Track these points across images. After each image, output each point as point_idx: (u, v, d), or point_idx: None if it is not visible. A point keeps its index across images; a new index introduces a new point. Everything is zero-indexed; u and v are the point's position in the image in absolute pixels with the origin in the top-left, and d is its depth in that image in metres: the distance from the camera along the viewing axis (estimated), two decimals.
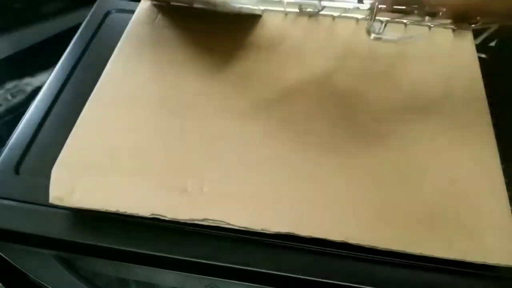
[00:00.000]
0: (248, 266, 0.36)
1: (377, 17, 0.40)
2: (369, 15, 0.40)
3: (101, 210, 0.36)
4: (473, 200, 0.37)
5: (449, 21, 0.43)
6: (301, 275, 0.35)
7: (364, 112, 0.42)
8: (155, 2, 0.51)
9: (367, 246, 0.35)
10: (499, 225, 0.36)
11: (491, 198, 0.37)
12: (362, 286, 0.35)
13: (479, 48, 0.50)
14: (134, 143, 0.40)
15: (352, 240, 0.35)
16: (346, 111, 0.42)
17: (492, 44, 0.50)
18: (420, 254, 0.35)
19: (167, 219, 0.36)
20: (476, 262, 0.34)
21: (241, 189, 0.38)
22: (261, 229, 0.36)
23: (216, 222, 0.36)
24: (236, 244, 0.36)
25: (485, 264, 0.34)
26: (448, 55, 0.46)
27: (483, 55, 0.49)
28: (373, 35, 0.41)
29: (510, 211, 0.36)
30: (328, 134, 0.40)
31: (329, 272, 0.35)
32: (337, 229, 0.35)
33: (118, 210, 0.36)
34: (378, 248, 0.35)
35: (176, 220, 0.36)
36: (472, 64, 0.46)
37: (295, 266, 0.36)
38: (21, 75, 0.71)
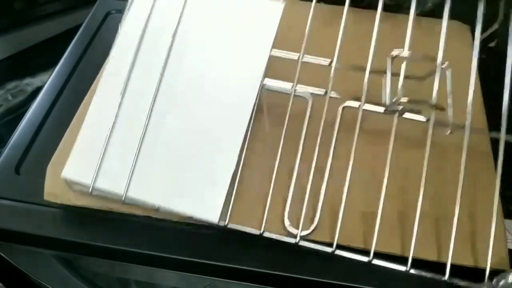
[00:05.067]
0: (248, 266, 0.36)
1: None
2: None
3: (95, 208, 0.36)
4: (466, 209, 0.37)
5: None
6: (301, 275, 0.36)
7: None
8: None
9: (361, 248, 0.35)
10: (490, 231, 0.36)
11: (484, 206, 0.38)
12: (362, 287, 0.35)
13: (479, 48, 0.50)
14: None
15: (346, 242, 0.35)
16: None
17: (492, 44, 0.50)
18: (413, 257, 0.35)
19: (159, 217, 0.36)
20: (468, 266, 0.35)
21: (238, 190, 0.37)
22: (250, 231, 0.35)
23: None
24: (236, 244, 0.36)
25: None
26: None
27: (482, 56, 0.49)
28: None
29: (502, 218, 0.37)
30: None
31: (329, 273, 0.36)
32: (331, 230, 0.36)
33: (111, 209, 0.36)
34: (368, 251, 0.35)
35: (169, 219, 0.36)
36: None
37: (295, 266, 0.36)
38: (21, 75, 0.71)
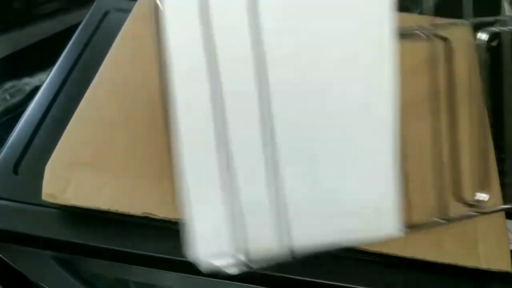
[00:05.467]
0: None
1: None
2: None
3: (93, 208, 0.36)
4: None
5: None
6: (301, 276, 0.35)
7: None
8: None
9: (356, 249, 0.35)
10: (492, 232, 0.36)
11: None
12: (359, 287, 0.35)
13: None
14: (128, 141, 0.39)
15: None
16: None
17: (494, 43, 0.50)
18: (411, 257, 0.35)
19: (158, 218, 0.36)
20: (468, 267, 0.34)
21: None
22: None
23: None
24: None
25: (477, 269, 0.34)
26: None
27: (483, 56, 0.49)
28: None
29: (503, 218, 0.36)
30: None
31: (329, 273, 0.35)
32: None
33: (109, 208, 0.36)
34: (368, 251, 0.35)
35: (168, 219, 0.36)
36: (470, 64, 0.46)
37: (295, 266, 0.36)
38: (19, 74, 0.71)
